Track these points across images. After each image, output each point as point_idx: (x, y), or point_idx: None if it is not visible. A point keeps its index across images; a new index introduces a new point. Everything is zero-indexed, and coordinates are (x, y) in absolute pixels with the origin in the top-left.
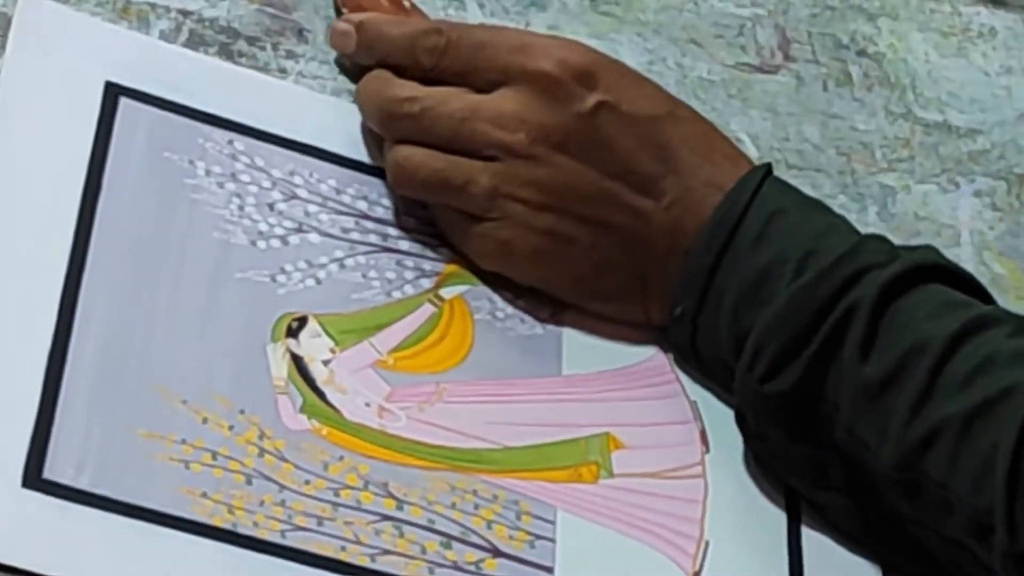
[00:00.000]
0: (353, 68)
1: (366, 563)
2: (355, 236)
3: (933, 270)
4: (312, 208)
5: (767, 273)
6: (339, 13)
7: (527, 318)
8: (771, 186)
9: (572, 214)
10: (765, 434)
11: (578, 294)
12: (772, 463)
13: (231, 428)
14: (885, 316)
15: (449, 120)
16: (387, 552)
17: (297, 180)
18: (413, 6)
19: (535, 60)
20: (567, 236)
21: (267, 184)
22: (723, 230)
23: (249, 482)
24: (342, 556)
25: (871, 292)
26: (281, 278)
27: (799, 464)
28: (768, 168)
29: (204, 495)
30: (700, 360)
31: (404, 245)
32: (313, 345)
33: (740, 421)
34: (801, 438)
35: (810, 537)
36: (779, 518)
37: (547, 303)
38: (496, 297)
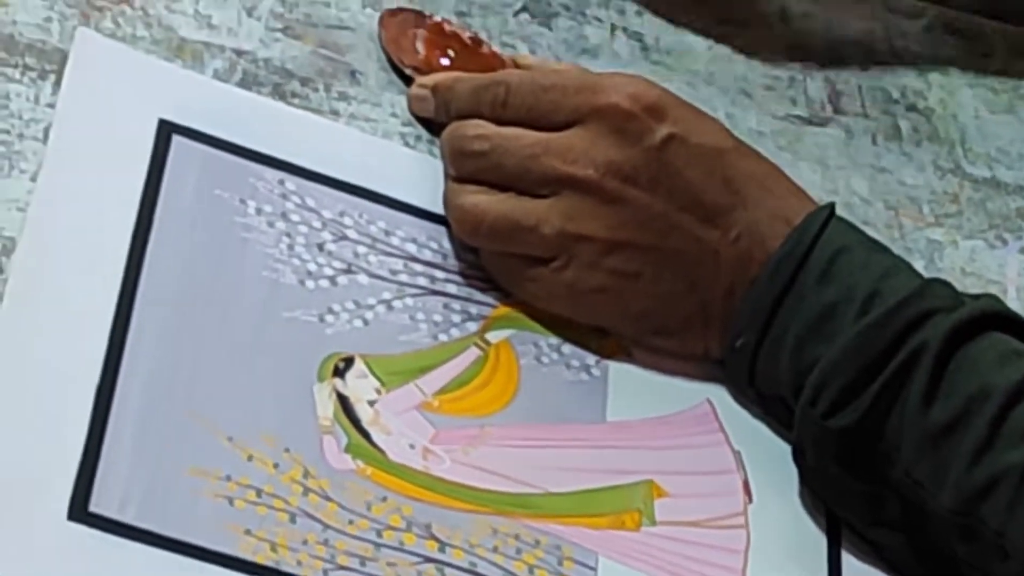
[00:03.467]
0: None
1: None
2: (403, 278)
3: (998, 318)
4: (361, 249)
5: (832, 310)
6: (390, 61)
7: (573, 363)
8: (836, 224)
9: (639, 248)
10: (824, 469)
11: (640, 329)
12: (828, 497)
13: (276, 466)
14: (951, 361)
15: (518, 156)
16: None
17: (347, 221)
18: (477, 38)
19: (605, 96)
20: (633, 272)
21: (317, 224)
22: (789, 265)
23: (293, 520)
24: None
25: (937, 336)
26: (329, 318)
27: (856, 499)
28: (832, 207)
29: (248, 532)
30: (757, 394)
31: (451, 288)
32: (359, 386)
33: (797, 456)
34: (860, 475)
35: None
36: (820, 570)
37: (593, 349)
38: (542, 342)
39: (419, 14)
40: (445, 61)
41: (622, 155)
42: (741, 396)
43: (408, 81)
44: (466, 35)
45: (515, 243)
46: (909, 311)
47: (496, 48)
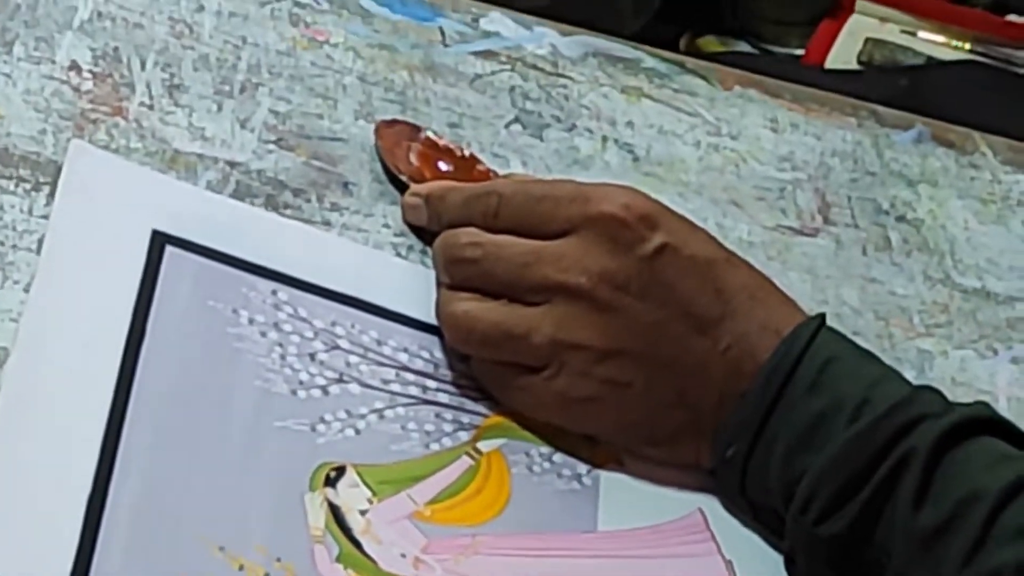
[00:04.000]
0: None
1: None
2: (395, 388)
3: (987, 423)
4: (353, 359)
5: (821, 419)
6: (385, 169)
7: (564, 472)
8: (826, 335)
9: (631, 357)
10: None
11: (630, 438)
12: None
13: None
14: (940, 466)
15: (510, 264)
16: None
17: (339, 331)
18: (472, 156)
19: (598, 205)
20: (624, 381)
21: (309, 334)
22: (779, 375)
23: None
24: None
25: (926, 441)
26: (321, 427)
27: None
28: (822, 317)
29: None
30: (749, 503)
31: (443, 398)
32: (351, 495)
33: (789, 565)
34: None
35: None
36: None
37: (585, 458)
38: (533, 451)
39: (413, 127)
40: (444, 168)
41: (615, 263)
42: (732, 505)
43: (402, 189)
44: (458, 151)
45: (506, 351)
46: (899, 417)
47: (487, 161)
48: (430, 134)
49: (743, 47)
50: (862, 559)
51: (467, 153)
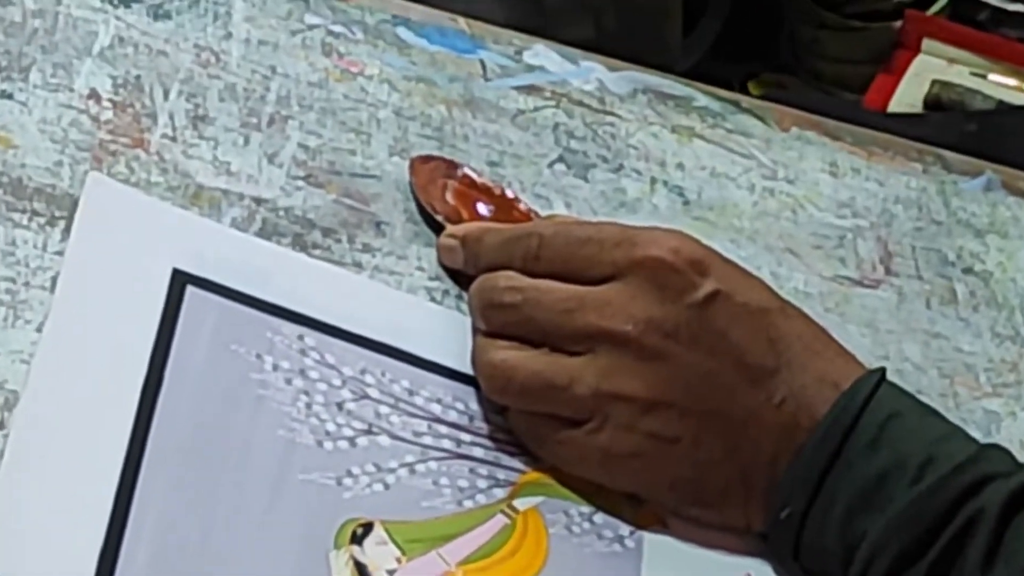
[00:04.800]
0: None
1: None
2: (427, 441)
3: None
4: (383, 409)
5: (883, 478)
6: (420, 208)
7: (606, 533)
8: (887, 389)
9: (678, 409)
10: None
11: (677, 497)
12: None
13: None
14: (1010, 528)
15: (552, 310)
16: None
17: (368, 379)
18: (513, 196)
19: (645, 249)
20: (671, 436)
21: (337, 382)
22: (837, 431)
23: None
24: None
25: (995, 502)
26: (347, 481)
27: None
28: (883, 372)
29: None
30: (803, 569)
31: (478, 452)
32: (378, 553)
33: None
34: None
35: None
36: None
37: (628, 518)
38: (573, 510)
39: (450, 163)
40: (482, 210)
41: (663, 311)
42: (784, 571)
43: (438, 230)
44: (497, 190)
45: (546, 402)
46: (965, 477)
47: (528, 202)
48: (468, 171)
49: (801, 87)
50: None
51: (507, 193)
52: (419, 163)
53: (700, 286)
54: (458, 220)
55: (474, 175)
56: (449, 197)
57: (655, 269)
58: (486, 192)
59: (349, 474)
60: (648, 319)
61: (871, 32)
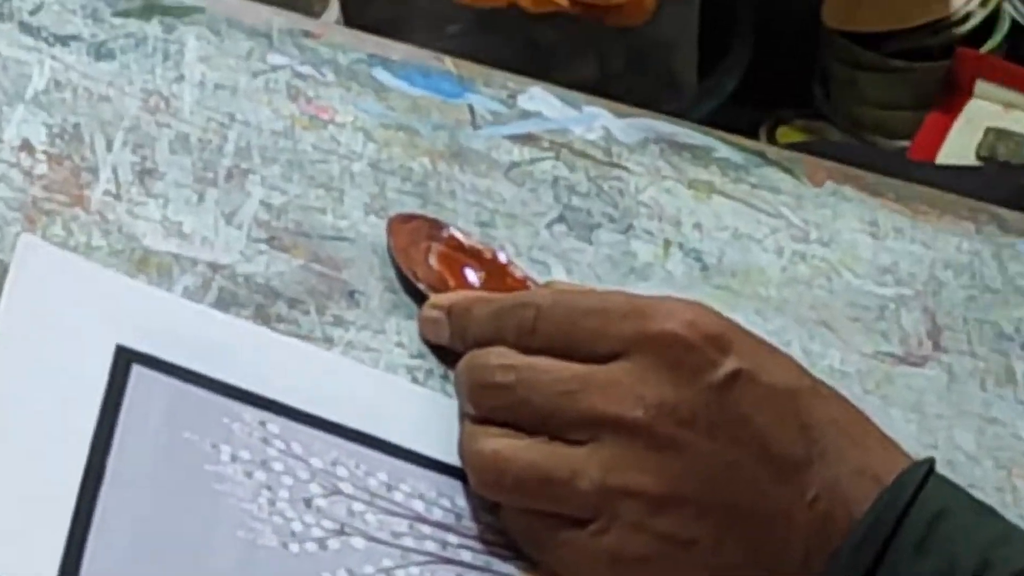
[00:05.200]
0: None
1: None
2: (408, 543)
3: None
4: (357, 506)
5: None
6: (400, 275)
7: None
8: (936, 483)
9: (696, 507)
10: None
11: None
12: None
13: None
14: None
15: (550, 392)
16: None
17: (341, 472)
18: (506, 262)
19: (657, 323)
20: (687, 538)
21: (304, 475)
22: (880, 532)
23: None
24: None
25: None
26: None
27: None
28: (931, 463)
29: None
30: None
31: (466, 556)
32: None
33: None
34: None
35: None
36: None
37: None
38: None
39: (434, 223)
40: (471, 276)
41: (677, 394)
42: None
43: (420, 300)
44: (488, 254)
45: (545, 499)
46: None
47: (524, 267)
48: (455, 233)
49: (836, 136)
50: None
51: (500, 257)
52: (399, 223)
53: (720, 365)
54: (443, 288)
55: (461, 237)
56: (433, 262)
57: (668, 346)
58: (475, 256)
59: None
60: (660, 403)
61: (916, 73)
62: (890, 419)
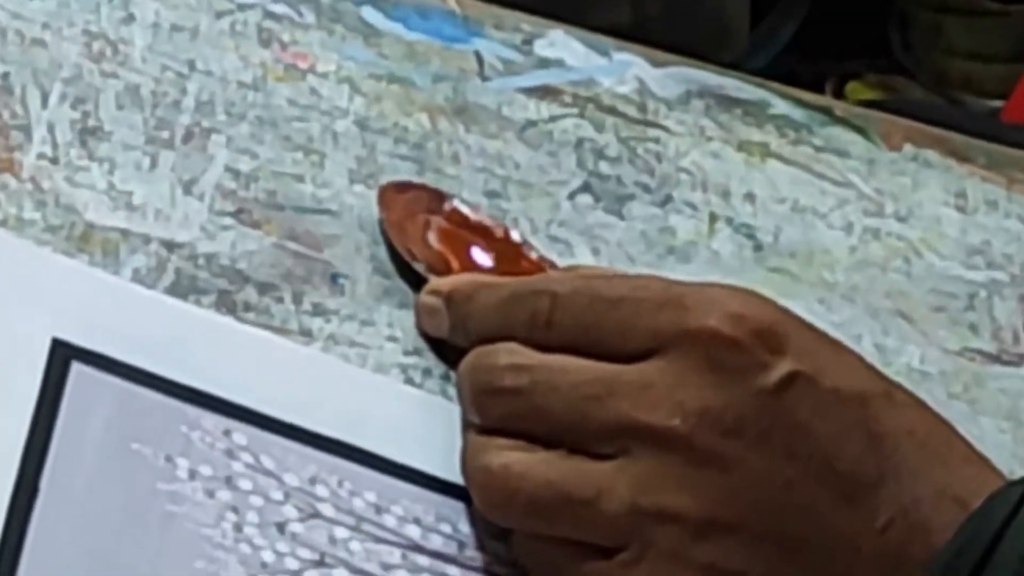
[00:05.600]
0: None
1: None
2: (401, 575)
3: None
4: (340, 532)
5: None
6: (393, 254)
7: None
8: None
9: (743, 534)
10: None
11: None
12: None
13: None
14: None
15: (570, 397)
16: None
17: (320, 491)
18: (520, 240)
19: (697, 316)
20: (735, 570)
21: (277, 495)
22: (965, 565)
23: None
24: None
25: None
26: None
27: None
28: None
29: None
30: None
31: None
32: None
33: None
34: None
35: None
36: None
37: None
38: None
39: (435, 194)
40: (480, 257)
41: (721, 399)
42: None
43: (417, 285)
44: (499, 231)
45: (565, 524)
46: None
47: (540, 247)
48: (459, 205)
49: (917, 92)
50: None
51: (512, 235)
52: (392, 193)
53: (773, 366)
54: (445, 271)
55: (467, 211)
56: (433, 240)
57: (710, 343)
58: (483, 234)
59: None
60: (702, 411)
61: (1013, 18)
62: (979, 429)
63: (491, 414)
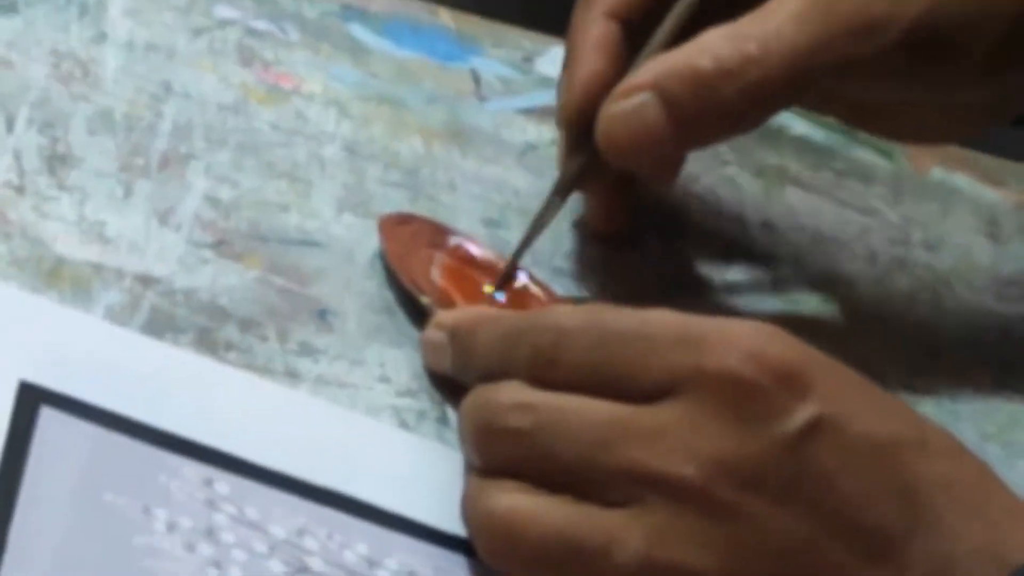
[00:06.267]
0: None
1: None
2: None
3: None
4: None
5: None
6: (397, 287)
7: None
8: None
9: None
10: None
11: None
12: None
13: None
14: None
15: (579, 441)
16: None
17: (309, 543)
18: (549, 296)
19: (715, 355)
20: None
21: (262, 548)
22: None
23: None
24: None
25: None
26: None
27: None
28: None
29: None
30: None
31: None
32: None
33: None
34: None
35: None
36: None
37: None
38: None
39: (437, 228)
40: (488, 291)
41: (740, 448)
42: None
43: (421, 322)
44: (502, 264)
45: (573, 573)
46: None
47: (544, 280)
48: (464, 242)
49: None
50: None
51: (519, 277)
52: (395, 224)
53: (795, 411)
54: (450, 306)
55: (473, 248)
56: (436, 275)
57: (729, 386)
58: (490, 272)
59: None
60: (718, 460)
61: None
62: (1016, 474)
63: (494, 455)
